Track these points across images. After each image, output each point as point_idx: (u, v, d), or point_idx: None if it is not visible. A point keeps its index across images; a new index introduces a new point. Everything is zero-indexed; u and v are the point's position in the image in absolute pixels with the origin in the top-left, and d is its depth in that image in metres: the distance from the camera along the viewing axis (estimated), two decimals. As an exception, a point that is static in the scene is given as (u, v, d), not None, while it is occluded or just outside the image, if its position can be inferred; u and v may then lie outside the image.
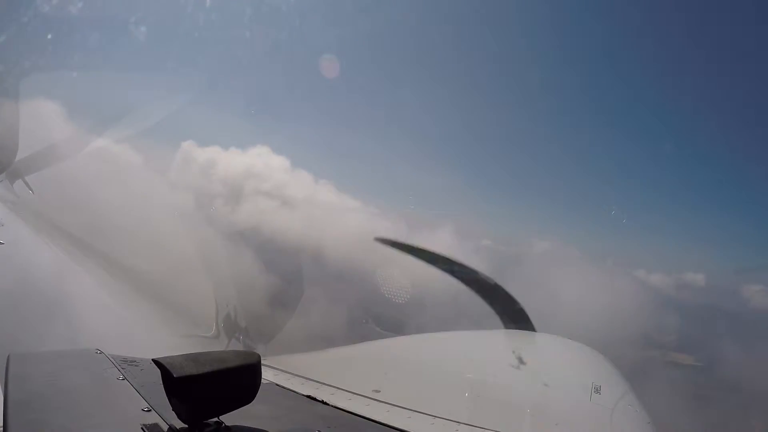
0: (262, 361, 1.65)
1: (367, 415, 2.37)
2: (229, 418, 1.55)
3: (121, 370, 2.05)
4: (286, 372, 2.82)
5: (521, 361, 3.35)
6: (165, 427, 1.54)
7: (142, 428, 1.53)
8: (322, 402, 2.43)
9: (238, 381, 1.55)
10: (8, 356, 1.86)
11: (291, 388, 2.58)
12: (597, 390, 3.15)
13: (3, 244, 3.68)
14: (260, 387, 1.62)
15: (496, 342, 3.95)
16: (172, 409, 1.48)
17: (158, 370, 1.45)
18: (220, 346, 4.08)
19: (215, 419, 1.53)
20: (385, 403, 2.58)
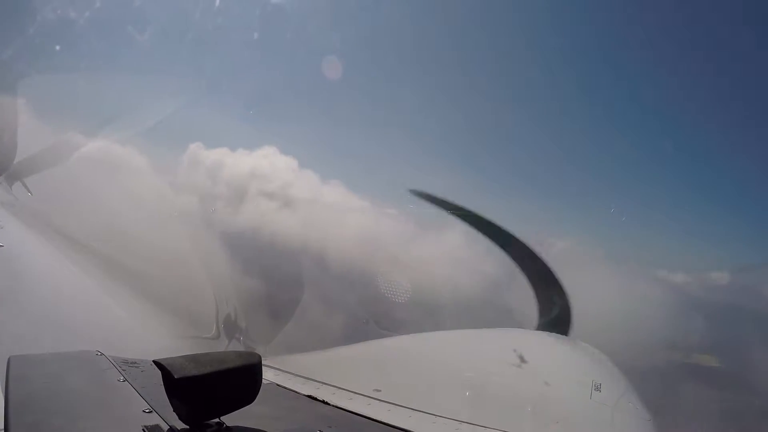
0: (263, 362, 1.65)
1: (369, 415, 2.37)
2: (230, 419, 1.55)
3: (121, 371, 2.05)
4: (286, 372, 2.82)
5: (522, 359, 3.35)
6: (166, 428, 1.54)
7: (143, 429, 1.53)
8: (323, 402, 2.43)
9: (238, 381, 1.55)
10: (9, 358, 1.86)
11: (292, 388, 2.59)
12: (597, 388, 3.15)
13: (2, 246, 3.68)
14: (261, 387, 1.63)
15: (497, 340, 3.95)
16: (173, 410, 1.48)
17: (159, 372, 1.45)
18: (220, 346, 4.09)
19: (216, 420, 1.53)
20: (386, 402, 2.58)
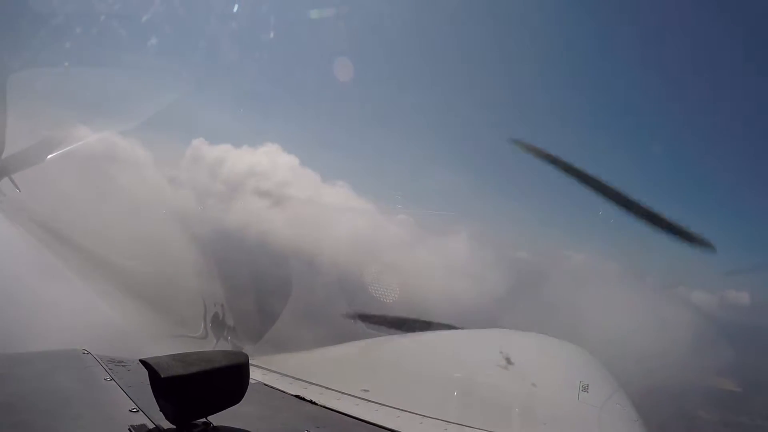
0: (251, 361, 1.65)
1: (356, 415, 2.38)
2: (217, 419, 1.55)
3: (108, 370, 2.04)
4: (274, 372, 2.82)
5: (509, 360, 3.37)
6: (152, 428, 1.54)
7: (129, 429, 1.52)
8: (311, 402, 2.43)
9: (226, 381, 1.55)
10: None
11: (279, 388, 2.58)
12: (585, 389, 3.18)
13: None
14: (248, 387, 1.63)
15: (485, 341, 3.97)
16: (160, 410, 1.48)
17: (145, 371, 1.45)
18: (208, 346, 4.06)
19: (203, 420, 1.53)
20: (374, 402, 2.59)
